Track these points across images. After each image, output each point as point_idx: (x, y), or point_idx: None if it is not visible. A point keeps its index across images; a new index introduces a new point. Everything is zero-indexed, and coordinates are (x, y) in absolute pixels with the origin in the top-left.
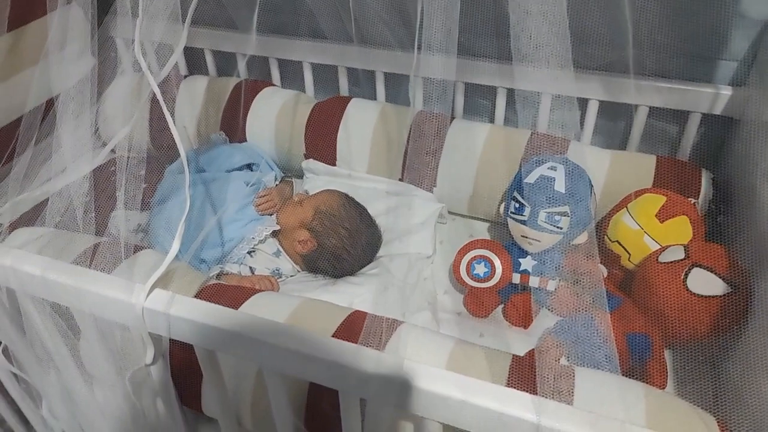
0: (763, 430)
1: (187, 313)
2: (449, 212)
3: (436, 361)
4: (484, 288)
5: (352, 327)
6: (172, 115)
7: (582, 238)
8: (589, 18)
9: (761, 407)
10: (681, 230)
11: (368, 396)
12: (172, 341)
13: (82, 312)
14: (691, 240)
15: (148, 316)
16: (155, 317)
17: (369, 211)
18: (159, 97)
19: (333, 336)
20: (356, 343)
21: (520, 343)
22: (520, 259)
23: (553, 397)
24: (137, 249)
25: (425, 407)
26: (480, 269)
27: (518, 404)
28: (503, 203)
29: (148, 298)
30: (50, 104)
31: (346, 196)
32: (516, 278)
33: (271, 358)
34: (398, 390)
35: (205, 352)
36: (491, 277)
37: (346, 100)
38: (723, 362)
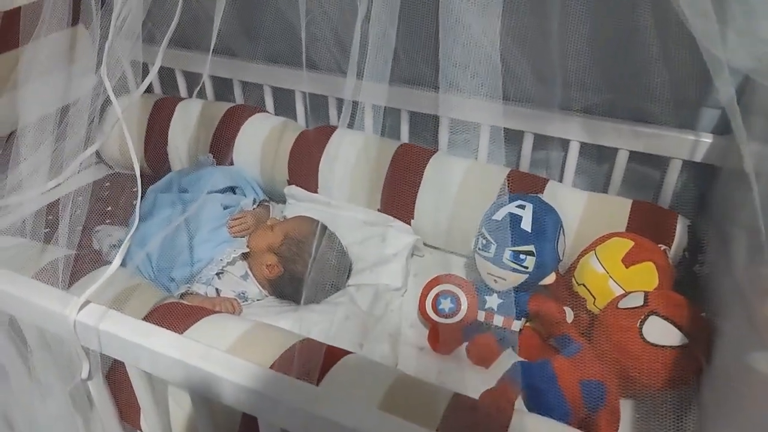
0: None
1: (115, 328)
2: (427, 245)
3: (372, 393)
4: (447, 324)
5: (298, 354)
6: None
7: (550, 279)
8: (571, 62)
9: None
10: (646, 276)
11: (285, 425)
12: None
13: (24, 322)
14: (656, 287)
15: (80, 329)
16: (87, 331)
17: (344, 240)
18: (119, 116)
19: (274, 362)
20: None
21: (478, 382)
22: (486, 297)
23: None
24: (101, 264)
25: None
26: (446, 304)
27: None
28: (475, 239)
29: (81, 312)
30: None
31: (318, 223)
32: (481, 316)
33: (193, 380)
34: (310, 421)
35: (135, 370)
36: (456, 313)
37: (331, 130)
38: (683, 416)
